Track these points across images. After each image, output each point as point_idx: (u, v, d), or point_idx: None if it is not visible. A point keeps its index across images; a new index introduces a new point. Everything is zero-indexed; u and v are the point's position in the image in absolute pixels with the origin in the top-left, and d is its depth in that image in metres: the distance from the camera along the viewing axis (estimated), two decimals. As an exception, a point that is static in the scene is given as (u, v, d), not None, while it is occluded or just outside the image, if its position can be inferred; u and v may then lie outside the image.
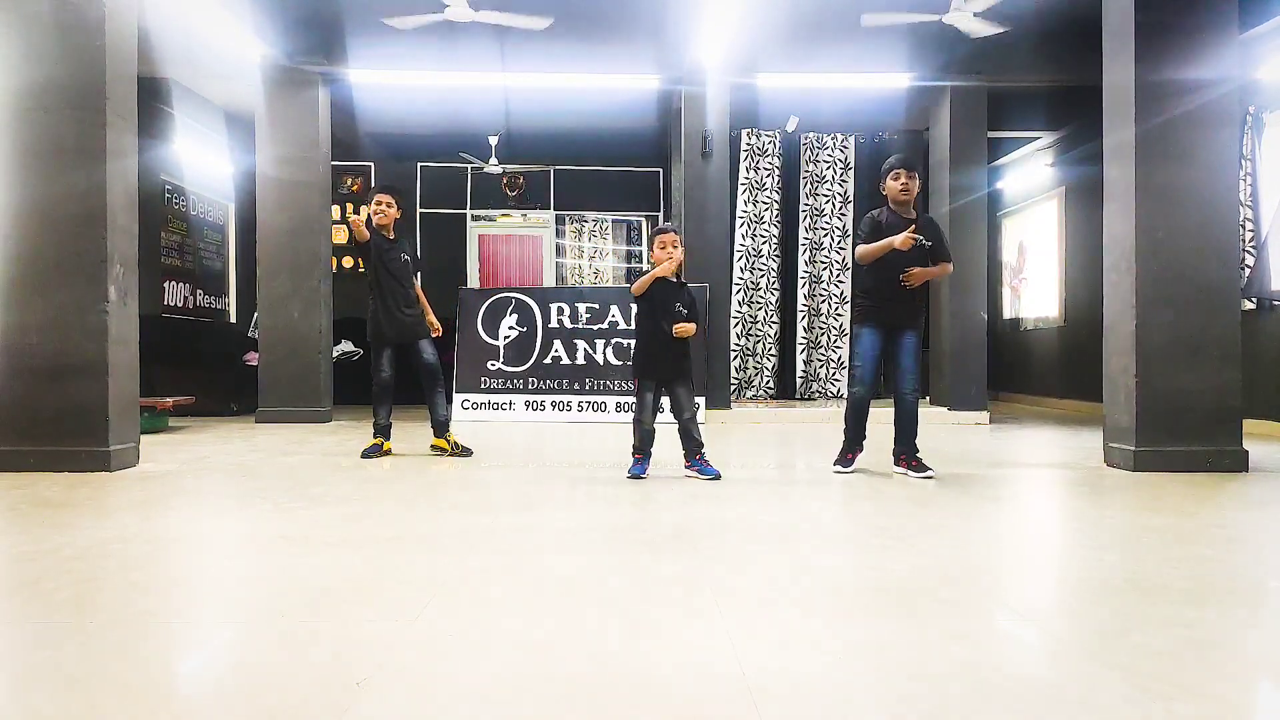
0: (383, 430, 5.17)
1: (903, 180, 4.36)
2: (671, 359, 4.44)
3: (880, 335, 4.42)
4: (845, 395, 4.56)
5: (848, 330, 9.03)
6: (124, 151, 4.64)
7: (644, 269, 12.10)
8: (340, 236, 10.46)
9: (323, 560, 2.60)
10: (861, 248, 4.41)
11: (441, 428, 5.21)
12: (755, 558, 2.68)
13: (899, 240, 4.23)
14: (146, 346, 4.99)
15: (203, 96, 9.24)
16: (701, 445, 4.39)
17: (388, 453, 5.21)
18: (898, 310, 4.40)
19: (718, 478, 4.29)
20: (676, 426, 4.42)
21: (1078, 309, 9.45)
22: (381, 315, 5.09)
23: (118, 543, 2.81)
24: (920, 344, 4.47)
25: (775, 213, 9.07)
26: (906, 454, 4.42)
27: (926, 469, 4.37)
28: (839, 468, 4.50)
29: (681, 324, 4.35)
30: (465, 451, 5.22)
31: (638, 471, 4.37)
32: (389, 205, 5.07)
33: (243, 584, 2.47)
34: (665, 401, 4.53)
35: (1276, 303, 6.65)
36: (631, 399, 7.34)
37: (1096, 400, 5.45)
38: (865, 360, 4.45)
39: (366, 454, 5.08)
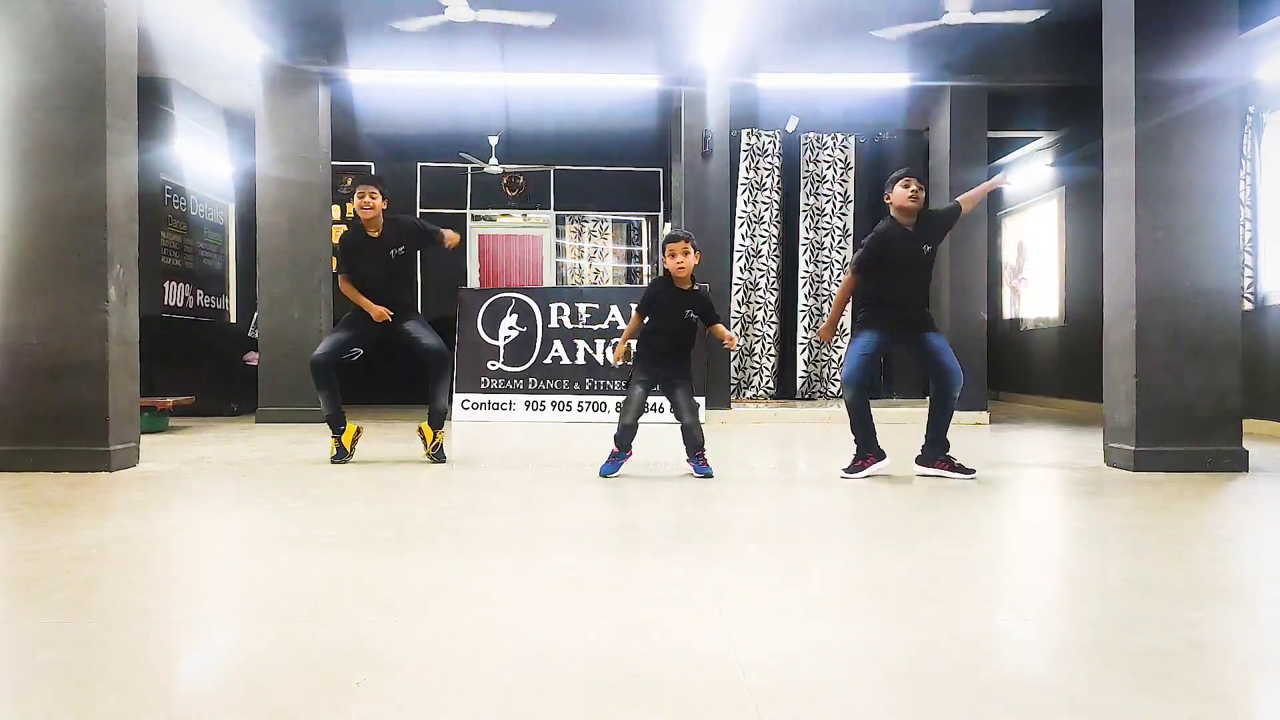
0: (333, 421, 4.80)
1: (913, 188, 4.25)
2: (670, 361, 4.44)
3: (882, 339, 4.33)
4: (846, 404, 4.43)
5: (849, 330, 9.02)
6: (124, 151, 4.64)
7: (652, 272, 12.09)
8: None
9: (323, 560, 2.60)
10: (847, 286, 4.44)
11: (437, 419, 4.87)
12: (755, 558, 2.68)
13: (824, 333, 4.56)
14: (146, 346, 4.98)
15: (203, 96, 9.24)
16: (700, 445, 4.39)
17: (357, 437, 4.86)
18: (905, 317, 4.32)
19: (709, 476, 4.30)
20: (679, 427, 4.42)
21: (1078, 309, 9.44)
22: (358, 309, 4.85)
23: (118, 543, 2.81)
24: (946, 340, 4.37)
25: (775, 213, 9.07)
26: (942, 455, 4.32)
27: (970, 470, 4.26)
28: (846, 473, 4.33)
29: (725, 333, 4.46)
30: (440, 456, 4.85)
31: (607, 470, 4.35)
32: (373, 197, 4.72)
33: (243, 584, 2.47)
34: (668, 403, 4.53)
35: None
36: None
37: (1096, 400, 5.45)
38: (853, 358, 4.31)
39: (335, 460, 4.79)
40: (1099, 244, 5.03)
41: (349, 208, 11.08)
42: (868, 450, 4.35)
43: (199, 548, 2.95)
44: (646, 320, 4.49)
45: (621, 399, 4.52)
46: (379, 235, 4.82)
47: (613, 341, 7.95)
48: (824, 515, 3.51)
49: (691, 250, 4.36)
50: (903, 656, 1.78)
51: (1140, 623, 2.00)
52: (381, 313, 4.74)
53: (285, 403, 7.53)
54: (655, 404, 4.51)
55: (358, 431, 4.94)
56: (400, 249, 4.85)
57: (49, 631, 1.94)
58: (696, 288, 4.46)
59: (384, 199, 4.80)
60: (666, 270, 4.41)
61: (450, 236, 4.97)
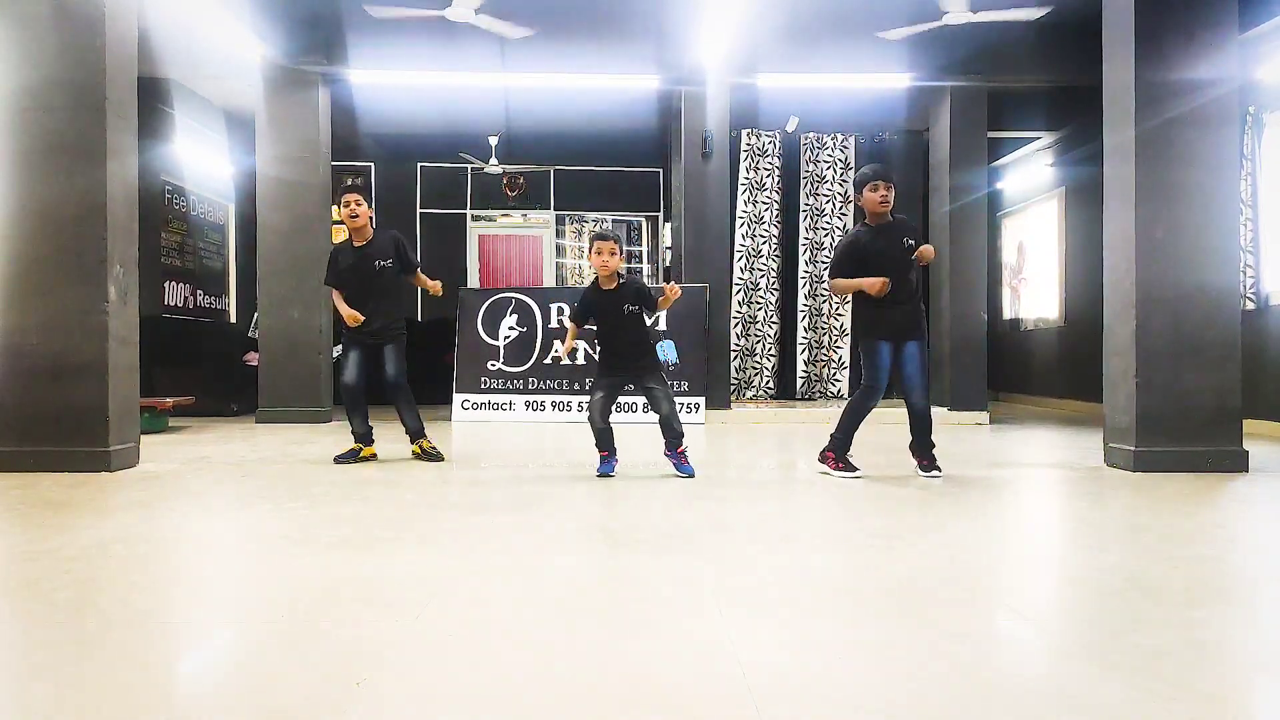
0: (361, 438, 4.91)
1: (881, 192, 4.29)
2: (630, 360, 4.47)
3: (890, 347, 4.34)
4: (854, 401, 4.44)
5: (849, 330, 9.03)
6: (124, 151, 4.64)
7: (652, 272, 12.08)
8: (340, 236, 10.46)
9: (323, 560, 2.60)
10: (839, 281, 4.38)
11: (414, 435, 4.98)
12: (755, 558, 2.68)
13: (874, 288, 4.20)
14: (146, 346, 4.98)
15: (203, 96, 9.25)
16: (680, 437, 4.40)
17: (370, 459, 4.95)
18: (900, 318, 4.32)
19: (690, 476, 4.31)
20: (658, 420, 4.43)
21: (1078, 309, 9.44)
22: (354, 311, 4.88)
23: (118, 543, 2.81)
24: (924, 353, 4.40)
25: (775, 213, 9.07)
26: (922, 455, 4.39)
27: (936, 470, 4.35)
28: (850, 473, 4.35)
29: (667, 294, 4.40)
30: (436, 457, 4.95)
31: (605, 470, 4.40)
32: (358, 204, 4.77)
33: (243, 584, 2.47)
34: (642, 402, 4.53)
35: None
36: (631, 399, 7.33)
37: (1096, 400, 5.45)
38: (881, 372, 4.34)
39: (340, 459, 4.83)
40: (1099, 244, 5.03)
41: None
42: (842, 456, 4.40)
43: (199, 548, 2.95)
44: (596, 327, 4.56)
45: (620, 399, 4.54)
46: (365, 245, 4.89)
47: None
48: (823, 515, 3.51)
49: (618, 251, 4.44)
50: (902, 656, 1.78)
51: (1140, 623, 2.00)
52: (354, 316, 4.78)
53: (285, 403, 7.53)
54: (642, 404, 4.54)
55: (374, 456, 5.01)
56: (387, 261, 4.90)
57: (49, 631, 1.94)
58: (623, 281, 4.48)
59: (369, 205, 4.89)
60: (596, 275, 4.49)
61: (434, 286, 5.04)
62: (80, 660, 1.75)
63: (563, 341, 4.74)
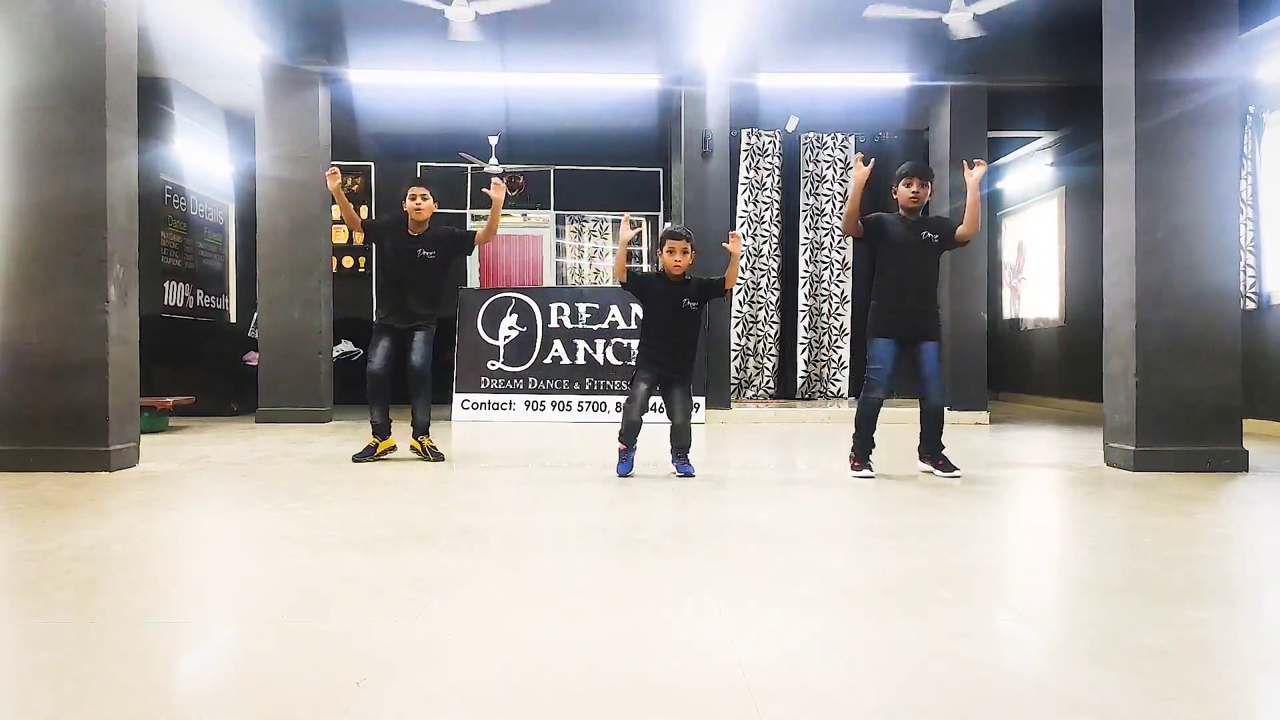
0: (379, 430, 4.91)
1: (914, 188, 4.31)
2: (671, 360, 4.43)
3: (896, 345, 4.33)
4: (859, 399, 4.42)
5: (849, 330, 9.03)
6: (124, 151, 4.64)
7: (644, 268, 12.08)
8: (340, 236, 10.48)
9: (323, 560, 2.60)
10: (846, 211, 4.44)
11: (419, 429, 4.99)
12: (755, 558, 2.68)
13: (859, 172, 4.30)
14: (146, 346, 4.98)
15: (203, 96, 9.24)
16: (686, 449, 4.40)
17: (388, 451, 4.97)
18: (912, 317, 4.31)
19: (689, 475, 4.31)
20: (670, 426, 4.41)
21: (1078, 309, 9.44)
22: (388, 299, 4.94)
23: (118, 543, 2.81)
24: (940, 353, 4.38)
25: (775, 212, 9.07)
26: (932, 454, 4.39)
27: (954, 468, 4.34)
28: (863, 473, 4.33)
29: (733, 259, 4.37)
30: (437, 456, 4.95)
31: (623, 470, 4.36)
32: (425, 198, 4.87)
33: (243, 584, 2.47)
34: (657, 402, 4.51)
35: None
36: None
37: (1096, 400, 5.45)
38: (882, 364, 4.32)
39: (358, 457, 4.86)
40: (1099, 244, 5.03)
41: (362, 210, 11.08)
42: (864, 457, 4.38)
43: (199, 548, 2.95)
44: (645, 314, 4.52)
45: (622, 398, 4.51)
46: (418, 235, 4.93)
47: (613, 340, 7.96)
48: (824, 515, 3.51)
49: (690, 250, 4.38)
50: (902, 656, 1.78)
51: (1140, 623, 2.00)
52: (334, 173, 4.80)
53: (285, 403, 7.52)
54: (655, 404, 4.51)
55: (392, 448, 5.01)
56: (430, 253, 4.92)
57: (49, 631, 1.94)
58: (689, 278, 4.45)
59: (435, 201, 4.95)
60: (662, 266, 4.44)
61: (499, 204, 5.00)
62: (80, 660, 1.75)
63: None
